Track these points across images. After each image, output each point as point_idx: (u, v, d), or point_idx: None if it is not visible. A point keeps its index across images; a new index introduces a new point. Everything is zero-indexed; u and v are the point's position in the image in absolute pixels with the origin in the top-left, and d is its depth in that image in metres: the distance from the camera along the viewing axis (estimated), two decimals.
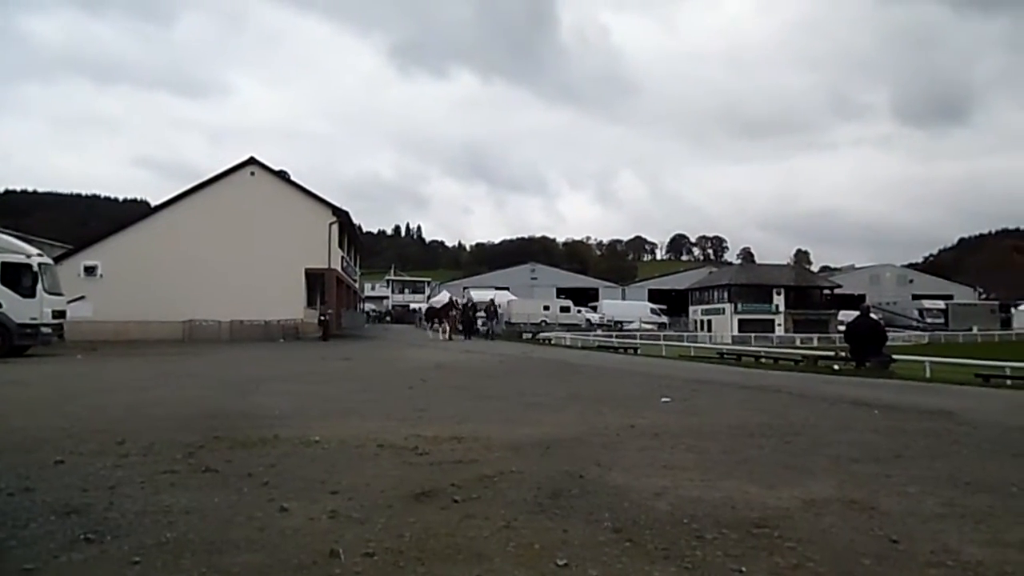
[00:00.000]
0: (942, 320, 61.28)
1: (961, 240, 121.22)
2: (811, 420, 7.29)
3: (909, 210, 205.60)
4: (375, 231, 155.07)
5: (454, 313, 29.28)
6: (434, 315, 31.68)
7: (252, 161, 32.27)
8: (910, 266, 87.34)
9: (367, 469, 4.78)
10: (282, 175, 34.17)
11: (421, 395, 9.50)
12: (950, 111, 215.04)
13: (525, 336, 36.55)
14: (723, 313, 58.65)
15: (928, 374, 15.04)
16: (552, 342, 33.18)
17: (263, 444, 5.61)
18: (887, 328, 19.52)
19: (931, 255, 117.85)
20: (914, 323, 60.51)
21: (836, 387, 10.93)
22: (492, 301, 34.37)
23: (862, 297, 58.22)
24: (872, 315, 16.95)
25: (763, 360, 21.35)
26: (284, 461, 5.01)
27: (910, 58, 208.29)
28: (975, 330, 54.32)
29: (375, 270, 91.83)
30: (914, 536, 3.44)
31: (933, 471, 4.85)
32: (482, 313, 34.33)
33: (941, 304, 64.69)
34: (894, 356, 15.91)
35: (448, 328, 28.63)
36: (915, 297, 69.57)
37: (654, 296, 71.01)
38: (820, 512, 3.82)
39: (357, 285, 48.67)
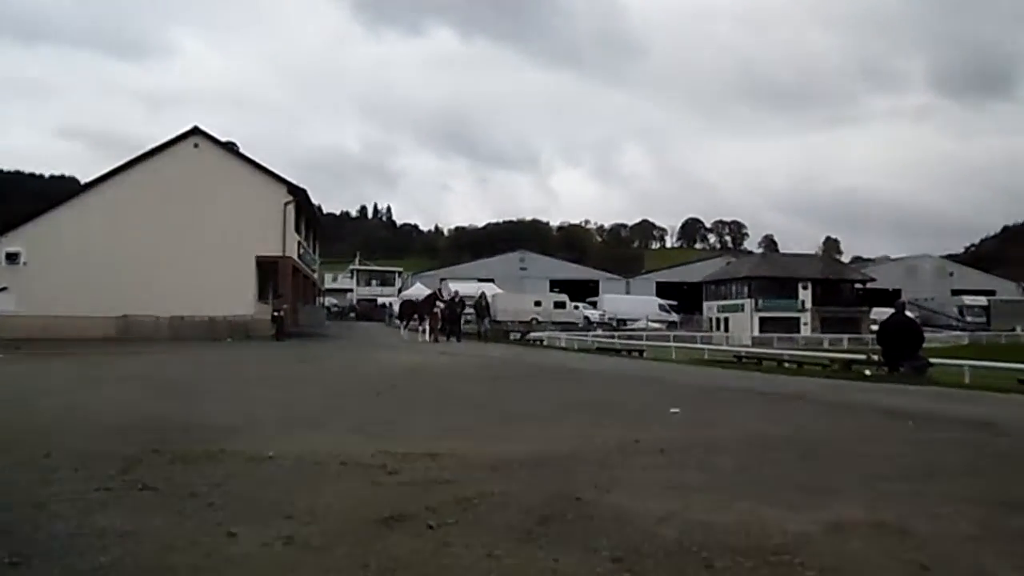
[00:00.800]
0: (984, 318, 62.10)
1: (1005, 228, 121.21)
2: (838, 433, 7.41)
3: (949, 193, 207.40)
4: (337, 212, 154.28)
5: (438, 309, 28.76)
6: (410, 311, 31.26)
7: (196, 131, 32.02)
8: (950, 257, 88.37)
9: (328, 489, 4.81)
10: (230, 147, 33.92)
11: (391, 404, 9.53)
12: (994, 82, 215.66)
13: (513, 336, 36.58)
14: (742, 310, 59.04)
15: (967, 380, 15.30)
16: (544, 343, 33.23)
17: (208, 460, 5.62)
18: (924, 327, 19.78)
19: (972, 245, 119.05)
20: (953, 322, 61.27)
21: (867, 395, 11.07)
22: (482, 295, 34.17)
23: (897, 292, 58.94)
24: (907, 313, 17.16)
25: (786, 364, 21.61)
26: (232, 479, 5.02)
27: (949, 21, 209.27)
28: (1019, 330, 55.05)
29: (337, 258, 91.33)
30: (947, 561, 3.53)
31: (970, 489, 4.95)
32: (470, 309, 34.21)
33: (983, 300, 65.50)
34: (931, 360, 16.13)
35: (431, 327, 28.15)
36: (955, 292, 70.32)
37: (663, 290, 71.29)
38: (845, 536, 3.90)
39: (316, 276, 48.50)
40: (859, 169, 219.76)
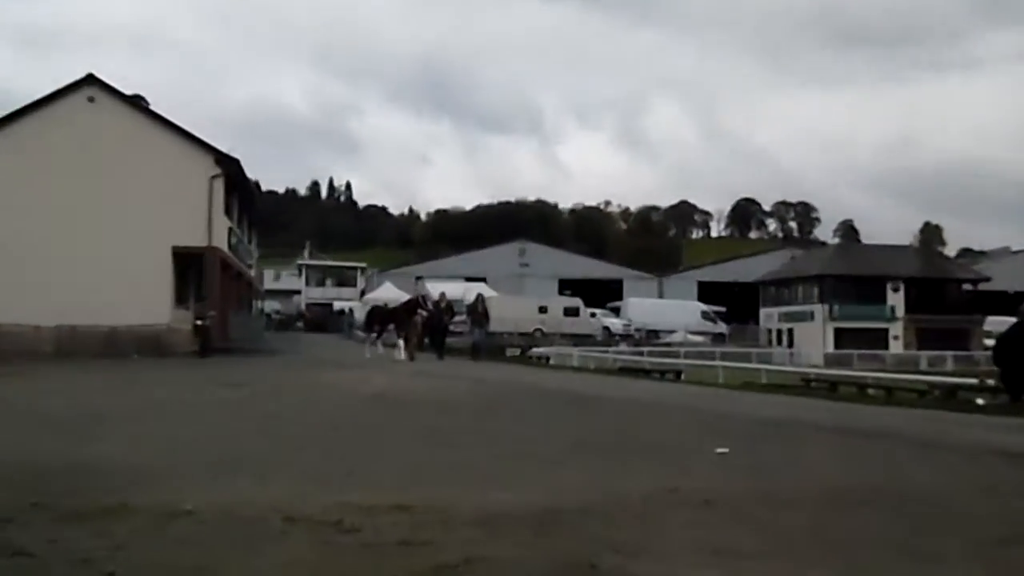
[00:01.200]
0: None
1: None
2: (940, 481, 7.42)
3: None
4: (281, 190, 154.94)
5: (420, 317, 28.51)
6: (383, 319, 31.07)
7: (91, 81, 31.95)
8: None
9: (266, 554, 4.78)
10: (137, 102, 33.87)
11: (351, 442, 9.54)
12: None
13: (510, 352, 36.65)
14: (811, 319, 59.18)
15: None
16: (551, 361, 33.28)
17: (106, 516, 5.60)
18: None
19: None
20: None
21: (979, 431, 11.09)
22: (480, 298, 34.02)
23: (1021, 296, 58.83)
24: None
25: (870, 390, 21.65)
26: (138, 541, 5.00)
27: None
28: None
29: (282, 250, 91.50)
30: None
31: None
32: (462, 316, 34.04)
33: None
34: None
35: (412, 340, 27.92)
36: None
37: (707, 293, 71.50)
38: None
39: (253, 273, 48.49)
40: (970, 132, 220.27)
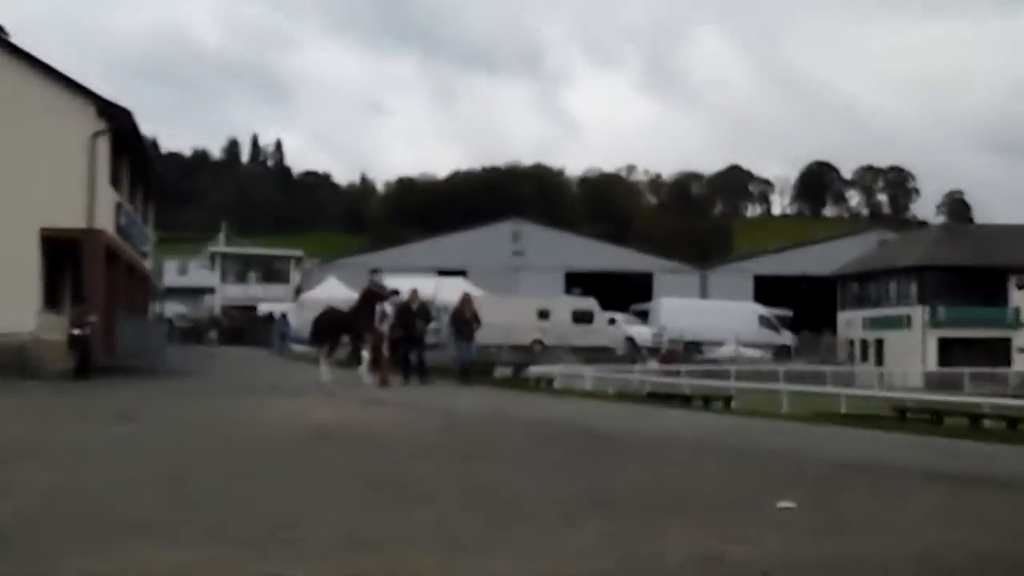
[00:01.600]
0: None
1: None
2: None
3: None
4: (187, 152, 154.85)
5: (386, 321, 27.79)
6: (337, 327, 30.56)
7: None
8: None
9: None
10: None
11: (284, 494, 9.54)
12: None
13: (500, 372, 36.59)
14: (907, 326, 59.19)
15: None
16: (555, 384, 33.25)
17: None
18: None
19: None
20: None
21: None
22: (467, 299, 33.74)
23: None
24: None
25: (986, 422, 21.68)
26: None
27: None
28: None
29: (187, 234, 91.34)
30: None
31: None
32: (437, 323, 33.81)
33: None
34: None
35: (377, 357, 27.50)
36: None
37: (767, 291, 71.58)
38: None
39: (150, 264, 48.38)
40: None
